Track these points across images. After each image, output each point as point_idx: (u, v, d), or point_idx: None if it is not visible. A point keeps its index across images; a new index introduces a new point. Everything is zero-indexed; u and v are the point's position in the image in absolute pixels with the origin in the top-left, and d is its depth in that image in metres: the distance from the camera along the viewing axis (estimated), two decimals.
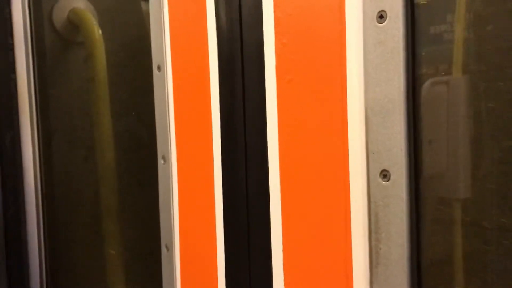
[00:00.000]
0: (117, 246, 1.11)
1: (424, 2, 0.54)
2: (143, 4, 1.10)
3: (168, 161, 0.86)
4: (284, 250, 0.67)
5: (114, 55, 1.16)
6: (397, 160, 0.56)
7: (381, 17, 0.55)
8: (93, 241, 1.18)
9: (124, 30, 1.17)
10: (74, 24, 1.24)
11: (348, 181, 0.59)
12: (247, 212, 0.74)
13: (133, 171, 1.06)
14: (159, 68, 0.85)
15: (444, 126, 0.54)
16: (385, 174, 0.57)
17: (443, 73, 0.54)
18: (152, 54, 0.86)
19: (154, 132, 0.88)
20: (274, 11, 0.66)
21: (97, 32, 1.19)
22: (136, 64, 1.08)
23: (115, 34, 1.19)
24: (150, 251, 0.99)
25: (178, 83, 0.82)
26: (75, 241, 1.22)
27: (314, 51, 0.62)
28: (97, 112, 1.16)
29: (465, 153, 0.53)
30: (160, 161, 0.88)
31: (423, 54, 0.54)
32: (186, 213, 0.84)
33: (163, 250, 0.89)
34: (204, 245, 0.81)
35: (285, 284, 0.67)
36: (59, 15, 1.24)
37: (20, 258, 1.26)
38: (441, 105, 0.55)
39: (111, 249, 1.11)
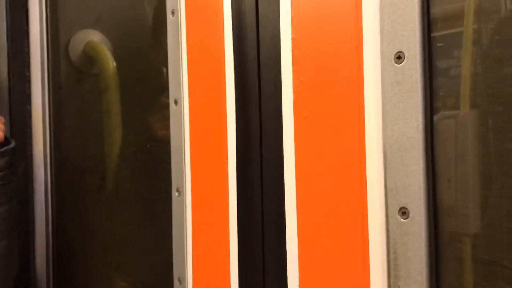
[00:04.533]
0: (129, 277, 1.10)
1: (441, 44, 0.55)
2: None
3: (183, 194, 0.86)
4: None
5: (128, 87, 1.18)
6: (416, 198, 0.56)
7: (399, 57, 0.57)
8: (103, 272, 1.17)
9: (137, 64, 1.19)
10: (90, 56, 1.27)
11: (367, 218, 0.60)
12: (263, 248, 0.74)
13: (146, 203, 1.06)
14: (176, 102, 0.86)
15: (463, 164, 0.55)
16: (403, 211, 0.57)
17: (461, 112, 0.55)
18: (169, 88, 0.87)
19: (169, 164, 0.89)
20: (292, 50, 0.68)
21: (112, 64, 1.21)
22: (150, 96, 1.10)
23: (129, 67, 1.22)
24: (162, 284, 0.98)
25: (194, 117, 0.84)
26: (85, 272, 1.21)
27: (332, 89, 0.63)
28: (110, 143, 1.17)
29: (485, 191, 0.54)
30: (175, 194, 0.88)
31: (441, 94, 0.56)
32: (200, 246, 0.84)
33: (176, 283, 0.88)
34: (217, 280, 0.81)
35: None
36: (75, 48, 1.28)
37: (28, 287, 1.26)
38: (460, 143, 0.55)
39: (122, 280, 1.10)
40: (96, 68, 1.24)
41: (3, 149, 1.08)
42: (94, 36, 1.27)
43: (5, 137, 1.11)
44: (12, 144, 1.11)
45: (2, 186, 1.09)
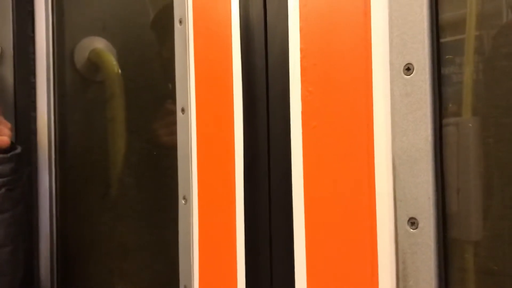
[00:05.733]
0: (132, 285, 1.10)
1: (450, 57, 0.56)
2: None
3: (189, 202, 0.87)
4: None
5: (133, 94, 1.18)
6: (425, 208, 0.57)
7: (408, 69, 0.57)
8: (107, 279, 1.17)
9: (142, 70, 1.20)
10: (95, 63, 1.27)
11: (376, 228, 0.60)
12: (270, 257, 0.74)
13: (151, 210, 1.06)
14: (183, 110, 0.86)
15: (473, 175, 0.55)
16: (413, 222, 0.57)
17: (470, 124, 0.55)
18: (177, 96, 0.88)
19: (175, 172, 0.89)
20: (301, 60, 0.68)
21: (117, 71, 1.22)
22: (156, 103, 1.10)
23: (134, 74, 1.22)
24: None
25: (201, 126, 0.84)
26: (89, 278, 1.21)
27: (341, 100, 0.64)
28: (115, 150, 1.18)
29: (494, 202, 0.54)
30: (181, 201, 0.88)
31: (450, 105, 0.56)
32: (207, 254, 0.85)
33: None
34: None
35: None
36: (80, 55, 1.28)
37: None
38: (469, 154, 0.56)
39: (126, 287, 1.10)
40: (101, 75, 1.24)
41: (9, 154, 1.09)
42: (99, 43, 1.28)
43: (11, 143, 1.11)
44: (18, 150, 1.12)
45: (8, 192, 1.09)
